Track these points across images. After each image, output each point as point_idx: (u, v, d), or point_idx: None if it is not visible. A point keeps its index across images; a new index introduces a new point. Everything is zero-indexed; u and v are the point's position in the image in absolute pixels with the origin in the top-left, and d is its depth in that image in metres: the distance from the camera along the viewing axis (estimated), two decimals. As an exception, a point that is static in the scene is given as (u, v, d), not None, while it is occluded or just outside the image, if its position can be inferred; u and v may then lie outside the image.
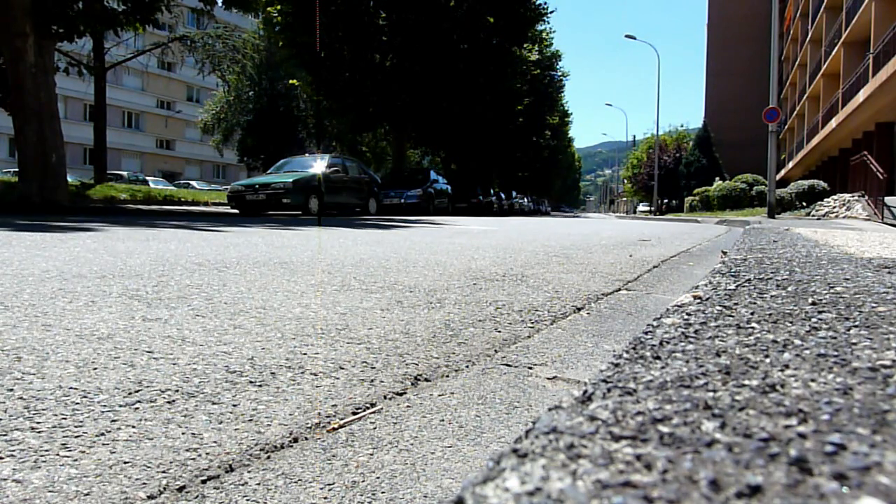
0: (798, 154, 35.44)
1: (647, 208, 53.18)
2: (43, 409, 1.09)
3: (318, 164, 14.03)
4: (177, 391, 1.22)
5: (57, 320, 1.70)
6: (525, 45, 24.08)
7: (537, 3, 22.30)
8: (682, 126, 55.84)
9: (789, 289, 1.51)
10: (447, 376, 1.46)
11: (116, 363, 1.36)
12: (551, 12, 22.97)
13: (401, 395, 1.32)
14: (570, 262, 3.80)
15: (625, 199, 74.24)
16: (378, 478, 0.96)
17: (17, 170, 14.26)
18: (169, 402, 1.16)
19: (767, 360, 0.81)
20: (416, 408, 1.25)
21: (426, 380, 1.42)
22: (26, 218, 7.03)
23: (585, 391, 0.69)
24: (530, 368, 1.56)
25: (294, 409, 1.18)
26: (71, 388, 1.20)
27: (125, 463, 0.93)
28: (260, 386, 1.28)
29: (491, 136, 26.58)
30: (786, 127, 40.48)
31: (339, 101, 20.96)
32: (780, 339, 0.94)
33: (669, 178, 42.87)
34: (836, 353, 0.84)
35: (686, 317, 1.15)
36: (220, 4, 12.61)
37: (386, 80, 20.36)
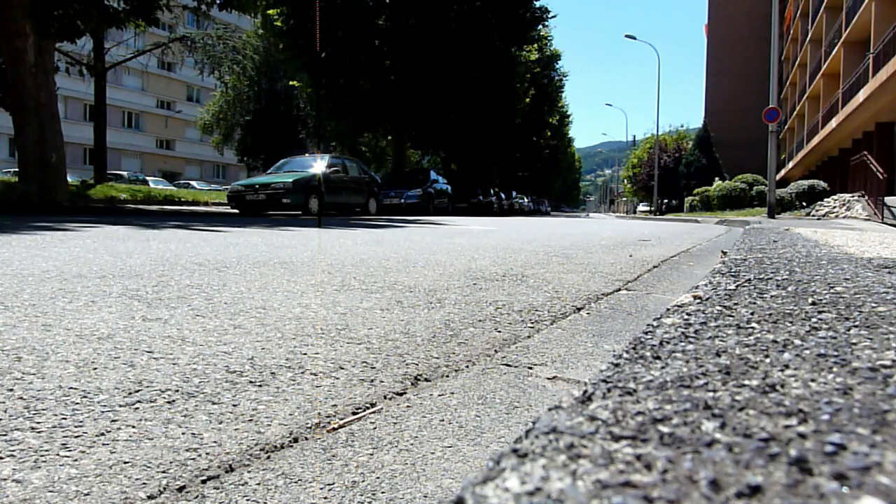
0: (798, 154, 35.44)
1: (647, 208, 53.16)
2: (43, 409, 1.09)
3: (318, 164, 14.03)
4: (177, 391, 1.22)
5: (57, 320, 1.70)
6: (525, 46, 24.09)
7: (538, 4, 22.30)
8: (682, 126, 55.85)
9: (789, 289, 1.51)
10: (447, 376, 1.46)
11: (116, 363, 1.36)
12: (553, 17, 23.00)
13: (401, 395, 1.32)
14: (570, 262, 3.80)
15: (625, 199, 74.23)
16: (378, 478, 0.96)
17: (17, 170, 14.26)
18: (169, 402, 1.16)
19: (767, 360, 0.81)
20: (416, 408, 1.25)
21: (426, 380, 1.42)
22: (26, 218, 7.03)
23: (585, 391, 0.69)
24: (530, 368, 1.56)
25: (294, 409, 1.18)
26: (71, 388, 1.20)
27: (125, 463, 0.93)
28: (260, 386, 1.28)
29: (491, 136, 26.58)
30: (786, 127, 40.47)
31: (338, 102, 20.96)
32: (780, 339, 0.94)
33: (669, 178, 42.84)
34: (836, 353, 0.84)
35: (686, 317, 1.15)
36: (216, 6, 12.60)
37: (386, 81, 20.34)
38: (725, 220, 15.82)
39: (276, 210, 12.98)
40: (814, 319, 1.10)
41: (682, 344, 0.93)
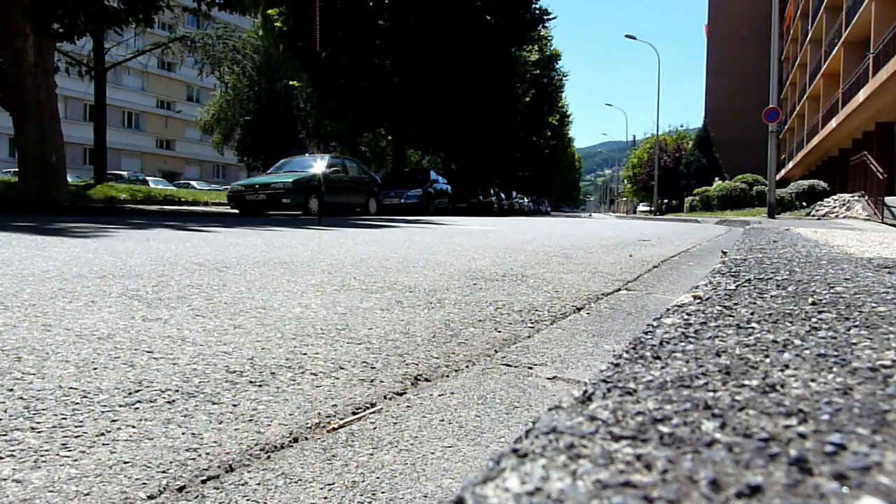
0: (798, 154, 35.43)
1: (647, 208, 53.16)
2: (43, 409, 1.09)
3: (318, 164, 14.03)
4: (177, 391, 1.22)
5: (57, 320, 1.70)
6: (525, 47, 24.10)
7: (538, 6, 22.32)
8: (682, 126, 55.88)
9: (789, 289, 1.51)
10: (447, 376, 1.46)
11: (116, 363, 1.36)
12: (553, 18, 23.03)
13: (401, 395, 1.32)
14: (570, 262, 3.80)
15: (625, 199, 74.25)
16: (378, 478, 0.96)
17: (17, 170, 14.27)
18: (169, 402, 1.16)
19: (767, 360, 0.81)
20: (416, 408, 1.25)
21: (426, 380, 1.42)
22: (26, 218, 7.02)
23: (585, 391, 0.69)
24: (530, 368, 1.56)
25: (294, 409, 1.18)
26: (71, 388, 1.20)
27: (125, 463, 0.93)
28: (260, 386, 1.28)
29: (491, 136, 26.60)
30: (786, 127, 40.46)
31: (338, 102, 20.97)
32: (780, 339, 0.94)
33: (669, 178, 42.83)
34: (836, 353, 0.84)
35: (686, 317, 1.15)
36: (216, 6, 12.63)
37: (386, 81, 20.35)
38: (725, 220, 15.82)
39: (276, 210, 12.98)
40: (814, 319, 1.10)
41: (682, 344, 0.93)
